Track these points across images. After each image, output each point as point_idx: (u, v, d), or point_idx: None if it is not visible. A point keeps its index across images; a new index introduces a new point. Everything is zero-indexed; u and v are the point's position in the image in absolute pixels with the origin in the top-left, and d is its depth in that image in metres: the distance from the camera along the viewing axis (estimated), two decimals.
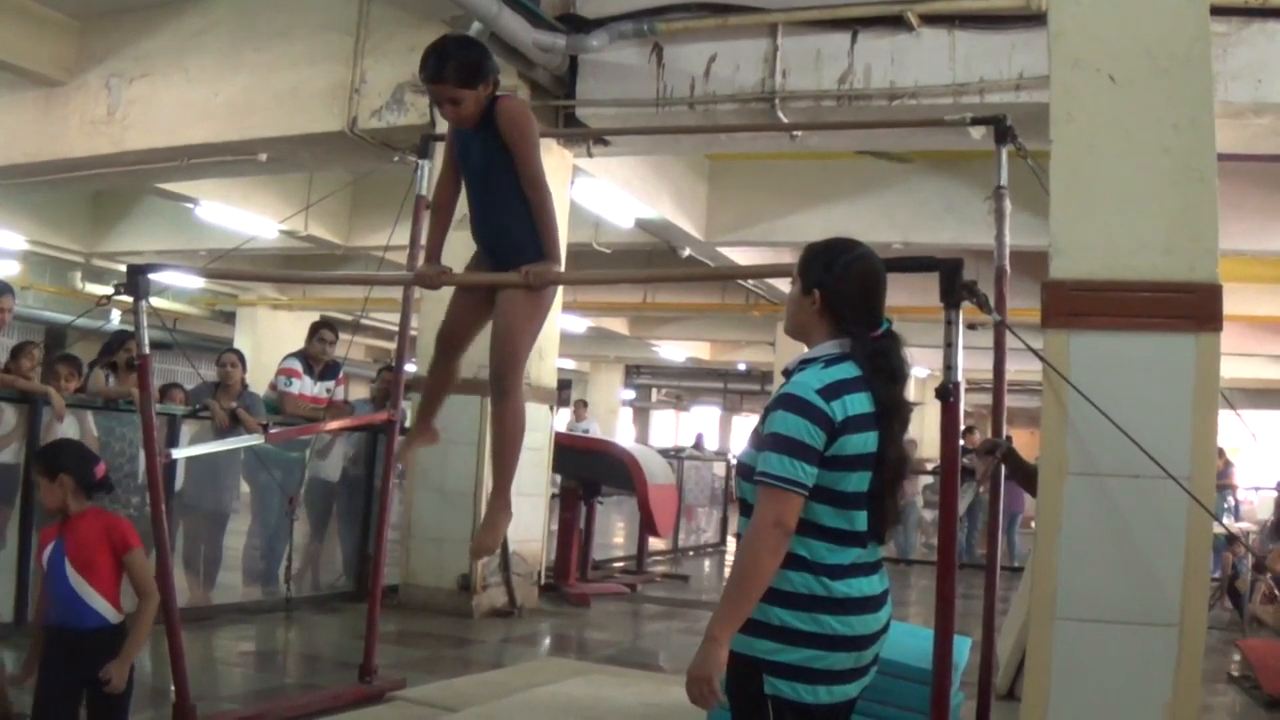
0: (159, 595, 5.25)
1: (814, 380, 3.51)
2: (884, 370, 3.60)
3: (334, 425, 9.63)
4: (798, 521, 3.44)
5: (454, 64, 4.75)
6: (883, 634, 3.67)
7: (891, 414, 3.58)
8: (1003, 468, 5.52)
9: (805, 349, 3.73)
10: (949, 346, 4.12)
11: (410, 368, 9.53)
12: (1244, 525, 15.85)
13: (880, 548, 3.69)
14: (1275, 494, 15.82)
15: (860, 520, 3.54)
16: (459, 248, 5.26)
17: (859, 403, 3.51)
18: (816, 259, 3.70)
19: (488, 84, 4.81)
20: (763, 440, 3.50)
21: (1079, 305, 4.64)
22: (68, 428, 8.84)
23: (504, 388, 5.04)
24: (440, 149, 5.60)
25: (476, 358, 10.57)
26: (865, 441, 3.51)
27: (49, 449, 5.77)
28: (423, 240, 6.02)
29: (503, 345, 4.99)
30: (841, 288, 3.64)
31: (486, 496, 10.45)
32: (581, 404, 28.09)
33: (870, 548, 3.62)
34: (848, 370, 3.55)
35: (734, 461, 10.30)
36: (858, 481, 3.52)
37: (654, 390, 48.32)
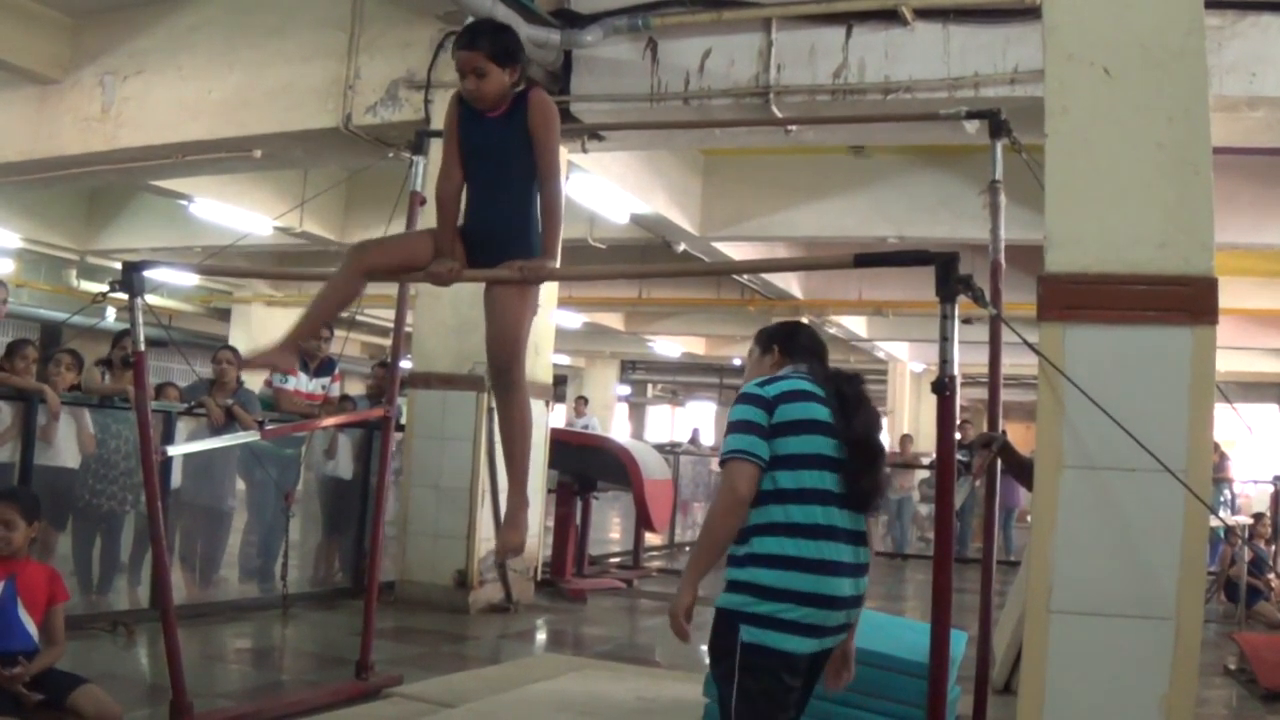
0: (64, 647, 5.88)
1: (755, 380, 4.33)
2: (843, 378, 4.37)
3: (329, 421, 9.62)
4: (769, 492, 4.08)
5: (489, 37, 4.79)
6: (852, 604, 4.17)
7: (851, 405, 4.26)
8: (999, 462, 5.53)
9: None
10: (945, 340, 4.12)
11: (406, 364, 9.54)
12: (1240, 518, 15.84)
13: (863, 518, 4.21)
14: (1272, 488, 15.83)
15: (816, 479, 4.10)
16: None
17: (794, 384, 4.24)
18: (769, 330, 4.68)
19: (515, 70, 4.84)
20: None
21: (1074, 299, 4.64)
22: (63, 425, 8.85)
23: (511, 380, 5.06)
24: (436, 145, 5.60)
25: (471, 353, 10.68)
26: (804, 410, 4.17)
27: (32, 494, 6.23)
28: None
29: (504, 340, 4.98)
30: (792, 340, 4.54)
31: (484, 492, 10.55)
32: (582, 400, 28.09)
33: (846, 514, 4.14)
34: (787, 373, 4.35)
35: None
36: (804, 444, 4.13)
37: (649, 385, 48.34)
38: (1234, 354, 23.52)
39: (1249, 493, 21.18)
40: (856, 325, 26.35)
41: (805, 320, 4.84)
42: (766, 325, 4.75)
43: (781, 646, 4.01)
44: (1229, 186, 12.83)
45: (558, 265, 5.03)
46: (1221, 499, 16.95)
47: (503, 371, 5.03)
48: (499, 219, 4.90)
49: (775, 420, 4.14)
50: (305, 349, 11.04)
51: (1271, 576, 12.72)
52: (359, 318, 24.53)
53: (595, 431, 20.88)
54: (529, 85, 4.96)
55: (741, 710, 4.07)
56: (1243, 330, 21.80)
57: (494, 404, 10.22)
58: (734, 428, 4.17)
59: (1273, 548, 14.50)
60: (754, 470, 4.08)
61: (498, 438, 10.57)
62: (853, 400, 4.29)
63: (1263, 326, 22.24)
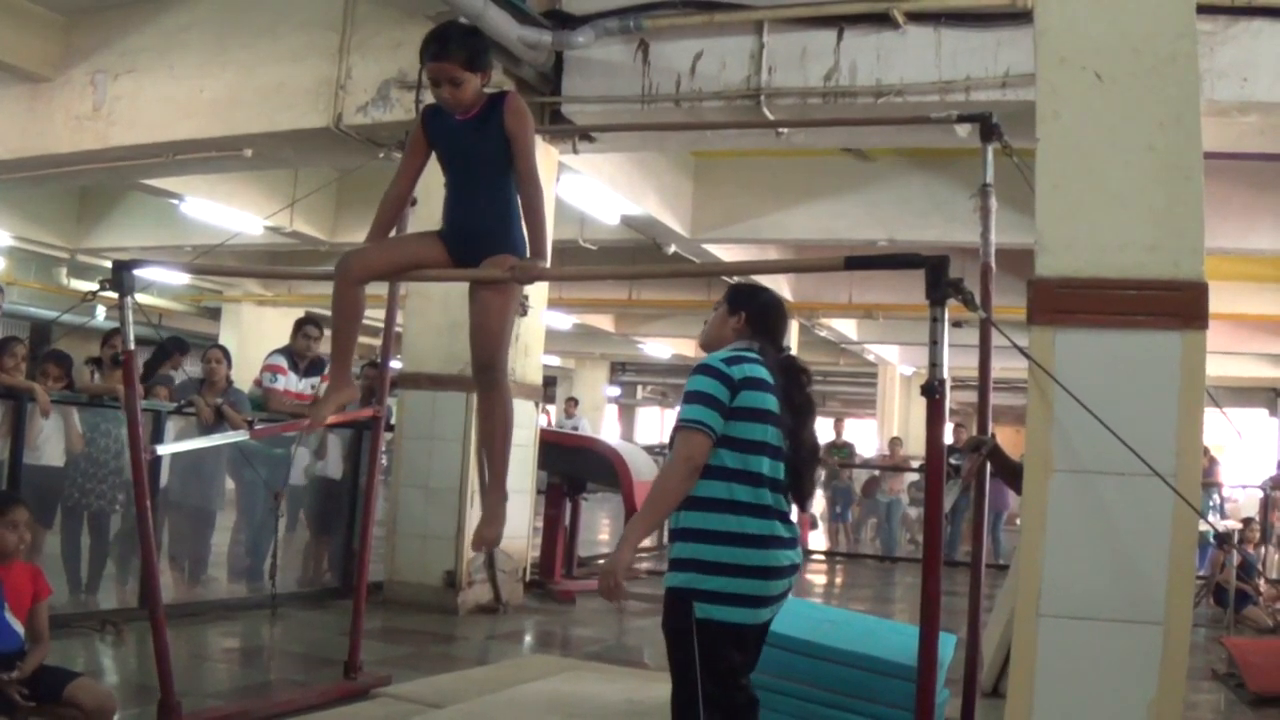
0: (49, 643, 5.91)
1: (720, 355, 4.58)
2: (795, 376, 4.72)
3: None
4: (714, 468, 4.41)
5: (460, 46, 4.78)
6: (789, 572, 4.56)
7: (805, 408, 4.71)
8: (988, 465, 5.53)
9: None
10: (934, 344, 4.13)
11: (395, 364, 9.52)
12: (1229, 523, 15.88)
13: (791, 507, 4.63)
14: (1261, 493, 15.87)
15: (764, 465, 4.47)
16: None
17: (756, 370, 4.51)
18: (744, 291, 4.91)
19: (486, 73, 4.86)
20: (682, 398, 4.51)
21: (1064, 303, 4.64)
22: (52, 424, 8.84)
23: (494, 378, 5.08)
24: None
25: (459, 354, 10.67)
26: (762, 399, 4.49)
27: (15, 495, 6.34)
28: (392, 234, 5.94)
29: (488, 337, 5.01)
30: (762, 314, 4.78)
31: (474, 493, 10.53)
32: (572, 401, 28.06)
33: (780, 496, 4.54)
34: (744, 351, 4.60)
35: None
36: (761, 432, 4.47)
37: (639, 387, 48.37)
38: (1224, 359, 23.58)
39: (1238, 497, 21.26)
40: (847, 328, 26.38)
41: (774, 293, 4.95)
42: (740, 285, 5.11)
43: (731, 619, 4.36)
44: (1220, 191, 12.88)
45: (547, 265, 5.03)
46: (1211, 504, 16.99)
47: (486, 367, 5.05)
48: (477, 219, 4.91)
49: (736, 404, 4.44)
50: (296, 349, 11.05)
51: (1260, 581, 12.75)
52: None
53: (585, 433, 20.89)
54: (503, 91, 5.00)
55: (709, 688, 4.33)
56: (1233, 335, 21.85)
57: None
58: (696, 399, 4.42)
59: (1262, 551, 14.52)
60: (709, 443, 4.39)
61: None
62: (804, 407, 4.73)
63: (1253, 331, 22.30)
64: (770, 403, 4.52)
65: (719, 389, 4.42)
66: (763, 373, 4.54)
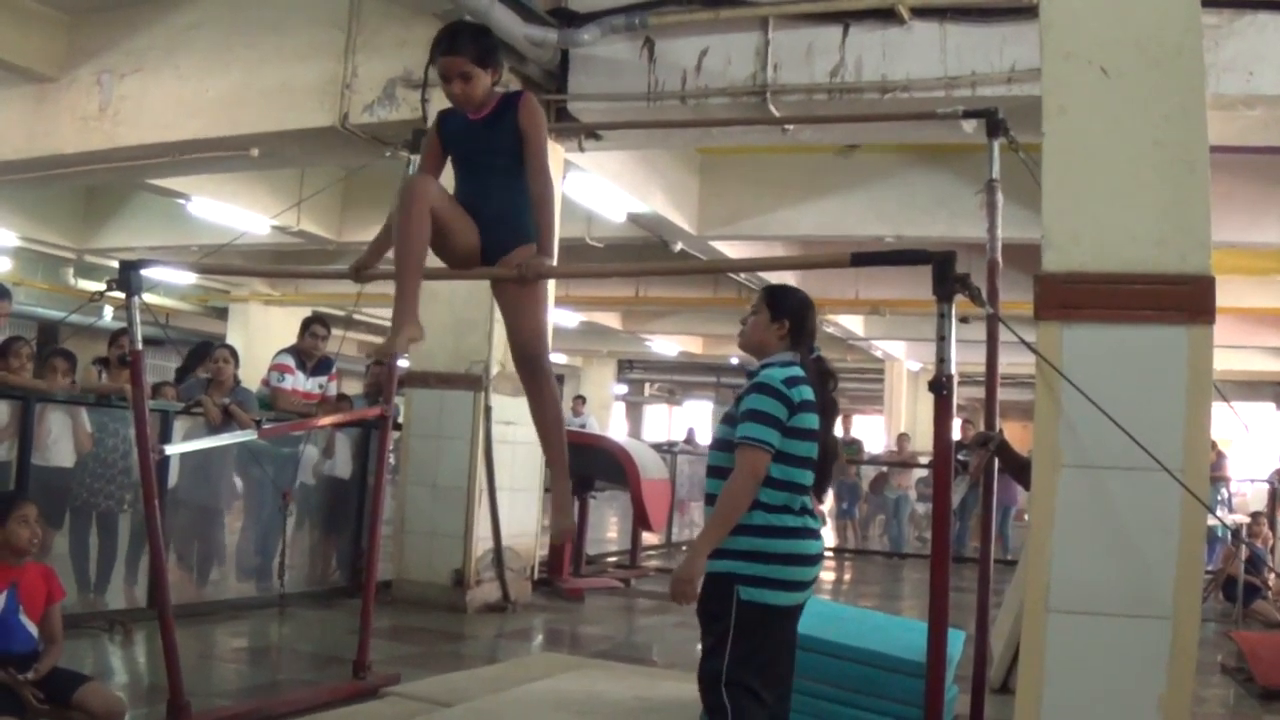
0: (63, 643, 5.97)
1: (779, 375, 4.79)
2: (825, 380, 5.01)
3: (326, 421, 9.62)
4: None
5: (471, 41, 4.82)
6: (820, 559, 4.98)
7: (830, 410, 5.02)
8: (996, 461, 5.53)
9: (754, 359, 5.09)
10: (942, 340, 4.14)
11: (402, 363, 9.53)
12: (1237, 517, 15.86)
13: (811, 501, 4.91)
14: (1268, 486, 15.85)
15: (806, 477, 4.80)
16: None
17: (808, 392, 4.79)
18: (785, 296, 5.06)
19: (497, 71, 4.90)
20: (740, 415, 4.74)
21: (1071, 298, 4.63)
22: (60, 424, 8.85)
23: (541, 370, 5.17)
24: None
25: (468, 352, 10.69)
26: (812, 420, 4.81)
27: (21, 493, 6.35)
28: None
29: (529, 332, 5.11)
30: (801, 319, 5.00)
31: (481, 491, 10.54)
32: (579, 399, 28.03)
33: (808, 499, 4.86)
34: (798, 371, 4.86)
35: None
36: (806, 449, 4.79)
37: (647, 385, 48.33)
38: (1231, 352, 23.53)
39: (1246, 491, 21.22)
40: (854, 324, 26.36)
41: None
42: (776, 288, 5.16)
43: (774, 601, 4.66)
44: (1226, 185, 12.86)
45: (554, 263, 5.03)
46: (1219, 498, 16.98)
47: (533, 358, 5.14)
48: (489, 214, 4.91)
49: (791, 423, 4.71)
50: (303, 348, 11.05)
51: (1270, 575, 12.74)
52: (356, 316, 24.52)
53: (592, 430, 20.88)
54: (518, 91, 5.03)
55: (738, 667, 4.63)
56: (1240, 329, 21.83)
57: (489, 403, 10.28)
58: (759, 418, 4.68)
59: (1271, 543, 14.50)
60: (769, 459, 4.66)
61: (495, 437, 10.64)
62: (828, 408, 5.01)
63: (1260, 325, 22.28)
64: (815, 421, 4.83)
65: (780, 409, 4.69)
66: (811, 394, 4.81)
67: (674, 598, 4.71)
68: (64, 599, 6.01)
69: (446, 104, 5.04)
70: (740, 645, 4.61)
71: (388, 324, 8.37)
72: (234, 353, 10.60)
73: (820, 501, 5.21)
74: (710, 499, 4.85)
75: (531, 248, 4.92)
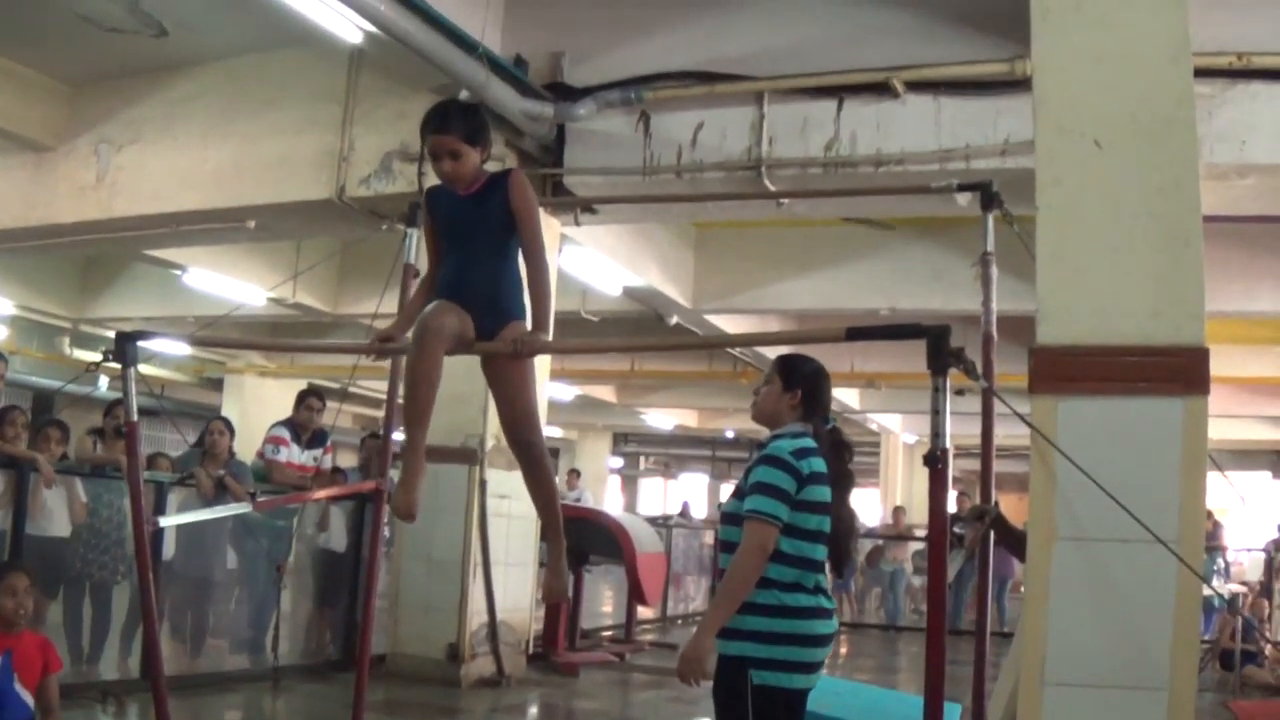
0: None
1: (788, 446, 4.71)
2: (839, 451, 4.89)
3: (322, 494, 9.61)
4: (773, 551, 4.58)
5: (460, 120, 4.85)
6: (831, 640, 4.83)
7: (845, 481, 4.89)
8: (992, 534, 5.53)
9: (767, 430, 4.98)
10: (936, 413, 4.13)
11: (397, 435, 9.52)
12: (1233, 587, 15.83)
13: (825, 578, 4.80)
14: (1264, 555, 15.81)
15: (818, 552, 4.71)
16: None
17: (818, 464, 4.70)
18: (794, 364, 5.01)
19: (486, 148, 4.92)
20: (748, 489, 4.65)
21: (1066, 370, 4.65)
22: (55, 494, 8.83)
23: (536, 449, 5.16)
24: None
25: (463, 426, 10.68)
26: (823, 493, 4.70)
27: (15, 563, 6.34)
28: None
29: (522, 412, 5.09)
30: (814, 388, 4.93)
31: (476, 565, 10.51)
32: (574, 473, 27.95)
33: (822, 576, 4.76)
34: (808, 442, 4.76)
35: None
36: (818, 522, 4.68)
37: (642, 458, 48.28)
38: (1226, 422, 23.54)
39: (1243, 560, 21.19)
40: (849, 398, 26.36)
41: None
42: (789, 357, 5.12)
43: (789, 685, 4.57)
44: (1220, 254, 12.89)
45: (549, 338, 5.04)
46: (1215, 567, 16.94)
47: (527, 442, 5.13)
48: (472, 290, 4.90)
49: (800, 497, 4.63)
50: (298, 420, 11.04)
51: (1265, 645, 12.69)
52: (351, 389, 24.50)
53: (587, 504, 20.84)
54: (507, 170, 5.04)
55: None
56: (1234, 398, 21.86)
57: (484, 477, 10.27)
58: (766, 490, 4.61)
59: (1267, 612, 14.45)
60: (777, 533, 4.57)
61: (490, 510, 10.63)
62: (849, 485, 4.92)
63: (1254, 394, 22.31)
64: (826, 495, 4.73)
65: (788, 482, 4.61)
66: (822, 466, 4.73)
67: (682, 677, 4.59)
68: (60, 671, 6.06)
69: (425, 192, 5.09)
70: None
71: (383, 397, 8.37)
72: (229, 424, 10.60)
73: (840, 574, 5.09)
74: (725, 572, 4.76)
75: (522, 324, 4.94)
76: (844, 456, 4.93)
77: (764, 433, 4.98)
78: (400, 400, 5.30)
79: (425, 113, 4.95)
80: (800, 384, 4.91)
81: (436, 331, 4.68)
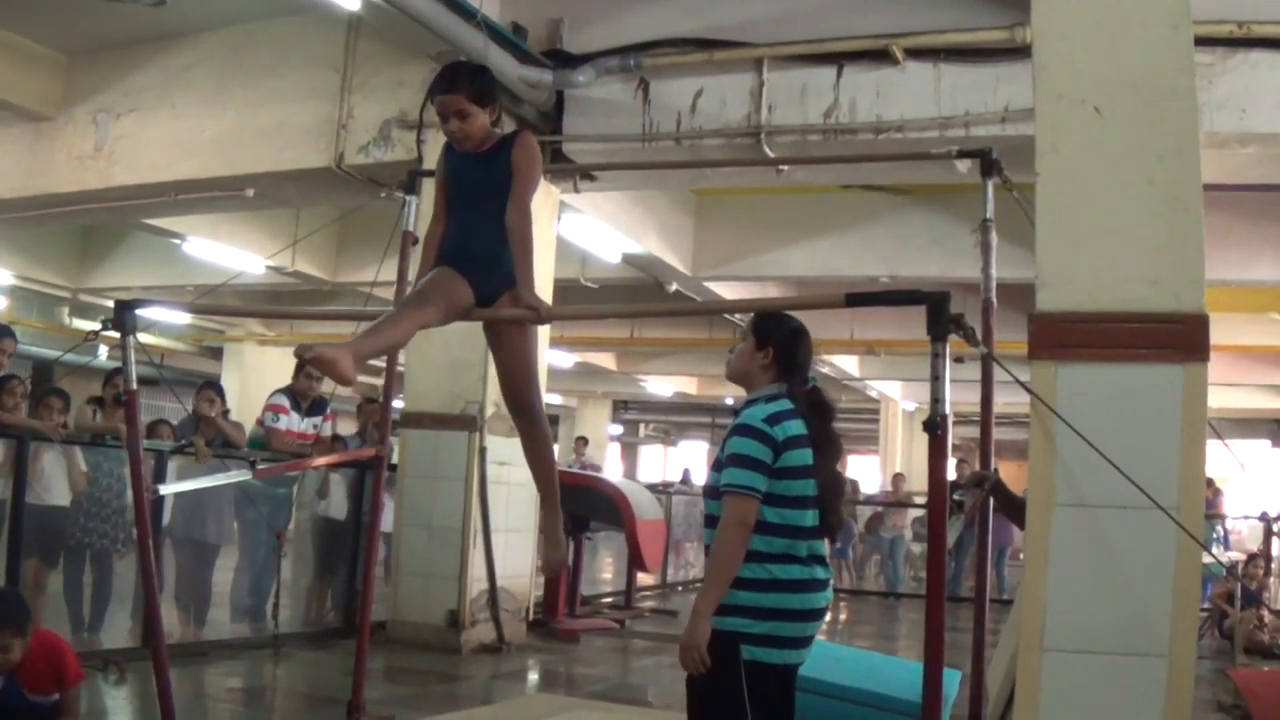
0: None
1: (760, 412, 4.53)
2: (820, 412, 4.69)
3: (321, 461, 9.61)
4: (756, 523, 4.41)
5: (468, 80, 4.83)
6: (824, 614, 4.67)
7: (828, 444, 4.65)
8: (991, 500, 5.53)
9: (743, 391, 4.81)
10: (936, 380, 4.13)
11: (397, 403, 9.52)
12: (1232, 554, 15.86)
13: (825, 544, 4.64)
14: (1262, 524, 15.86)
15: (806, 518, 4.50)
16: None
17: (795, 427, 4.51)
18: (772, 323, 4.82)
19: (494, 109, 4.90)
20: (724, 460, 4.50)
21: (1066, 337, 4.64)
22: (55, 463, 8.83)
23: (534, 412, 5.16)
24: (428, 185, 5.61)
25: (463, 393, 10.68)
26: (803, 456, 4.50)
27: (21, 603, 6.12)
28: (411, 276, 5.96)
29: (522, 375, 5.10)
30: (790, 347, 4.73)
31: (476, 532, 10.52)
32: (581, 440, 27.88)
33: (817, 542, 4.57)
34: (784, 404, 4.57)
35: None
36: (801, 487, 4.49)
37: (642, 425, 48.31)
38: (1225, 390, 23.55)
39: (1242, 528, 21.23)
40: (849, 364, 26.37)
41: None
42: (768, 315, 4.93)
43: (780, 660, 4.46)
44: (1220, 223, 12.89)
45: (537, 294, 4.98)
46: (1214, 535, 16.98)
47: (528, 404, 5.13)
48: (479, 248, 4.88)
49: (779, 464, 4.44)
50: (298, 388, 11.02)
51: (1264, 611, 12.73)
52: None
53: (597, 472, 20.86)
54: (517, 130, 5.01)
55: None
56: (1234, 366, 21.87)
57: (484, 444, 10.26)
58: (741, 462, 4.43)
59: (1269, 579, 14.49)
60: (757, 504, 4.40)
61: (490, 477, 10.62)
62: (833, 448, 4.69)
63: (1254, 362, 22.32)
64: (808, 457, 4.53)
65: (763, 451, 4.42)
66: (800, 428, 4.53)
67: (684, 666, 4.41)
68: (82, 681, 6.01)
69: (442, 145, 5.06)
70: (745, 708, 4.37)
71: (381, 364, 8.33)
72: (219, 390, 10.59)
73: (831, 539, 4.77)
74: (710, 549, 4.57)
75: (529, 290, 4.91)
76: (825, 416, 4.72)
77: None
78: (399, 368, 5.32)
79: (436, 73, 4.96)
80: (773, 343, 4.72)
81: (418, 315, 4.68)
